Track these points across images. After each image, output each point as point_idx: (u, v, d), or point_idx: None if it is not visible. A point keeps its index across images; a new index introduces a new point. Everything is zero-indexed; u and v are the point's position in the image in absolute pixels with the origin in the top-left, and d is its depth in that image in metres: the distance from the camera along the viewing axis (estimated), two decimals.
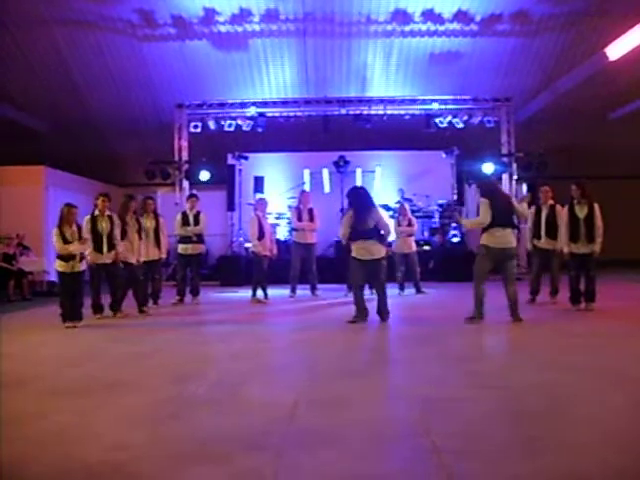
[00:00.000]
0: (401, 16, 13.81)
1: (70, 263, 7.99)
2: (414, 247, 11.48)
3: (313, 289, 11.33)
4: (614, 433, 3.45)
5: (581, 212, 8.49)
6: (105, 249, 8.63)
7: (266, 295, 10.69)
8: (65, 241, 7.94)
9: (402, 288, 11.42)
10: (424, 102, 15.90)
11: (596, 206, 8.48)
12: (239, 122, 15.93)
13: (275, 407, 4.06)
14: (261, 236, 10.53)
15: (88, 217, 8.69)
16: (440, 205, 15.55)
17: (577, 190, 8.50)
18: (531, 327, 7.50)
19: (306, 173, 16.52)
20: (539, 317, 8.35)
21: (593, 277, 8.60)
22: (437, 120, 15.87)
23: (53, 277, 14.29)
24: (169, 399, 4.34)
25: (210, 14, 13.62)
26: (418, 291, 11.39)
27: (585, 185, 8.55)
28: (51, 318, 8.67)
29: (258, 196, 14.04)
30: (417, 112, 16.02)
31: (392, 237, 9.41)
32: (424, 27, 14.16)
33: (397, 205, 15.37)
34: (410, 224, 11.42)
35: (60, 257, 8.00)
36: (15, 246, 13.16)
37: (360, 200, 8.04)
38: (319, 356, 5.93)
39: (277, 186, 16.57)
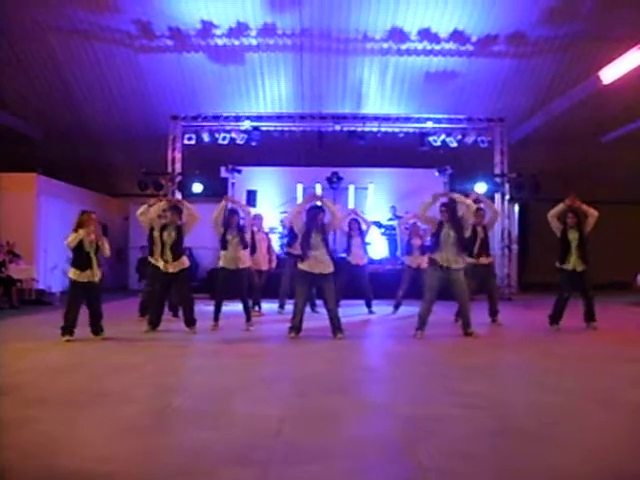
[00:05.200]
0: (397, 34, 13.88)
1: (87, 272, 7.71)
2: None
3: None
4: (601, 454, 3.44)
5: (573, 237, 8.87)
6: (169, 258, 8.54)
7: (254, 308, 10.65)
8: (82, 248, 7.66)
9: (397, 307, 11.22)
10: (418, 120, 15.92)
11: (585, 230, 8.90)
12: (233, 135, 15.90)
13: (262, 421, 4.04)
14: (252, 251, 10.52)
15: (161, 223, 8.70)
16: None
17: (574, 219, 8.88)
18: (516, 347, 7.55)
19: (299, 188, 16.54)
20: (523, 337, 8.40)
21: (592, 297, 8.92)
22: (431, 139, 15.88)
23: (42, 285, 14.25)
24: (156, 411, 4.31)
25: (207, 27, 13.64)
26: None
27: (580, 214, 8.92)
28: (40, 326, 8.62)
29: (253, 211, 14.03)
30: (411, 130, 16.03)
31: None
32: (420, 46, 14.22)
33: (391, 220, 15.42)
34: (422, 242, 10.95)
35: (76, 265, 7.69)
36: (5, 253, 13.08)
37: None
38: (306, 371, 5.91)
39: (270, 200, 16.59)
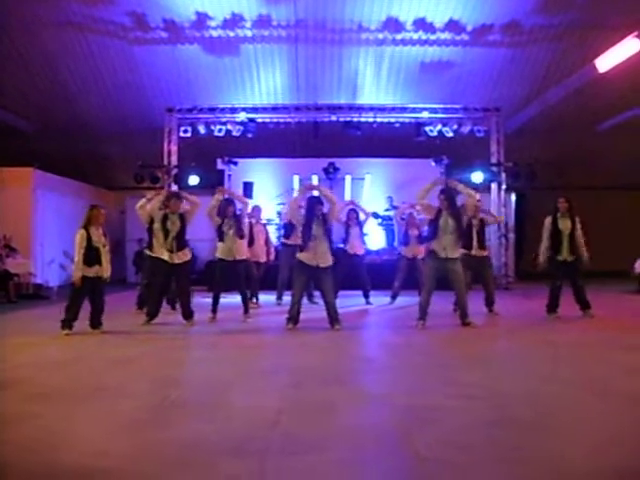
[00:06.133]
0: (393, 24, 13.83)
1: (94, 268, 7.69)
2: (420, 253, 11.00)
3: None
4: (597, 445, 3.45)
5: (564, 226, 8.77)
6: (174, 248, 8.49)
7: (252, 300, 10.66)
8: (91, 243, 7.63)
9: (394, 297, 11.28)
10: (414, 110, 15.90)
11: (577, 220, 8.81)
12: (229, 127, 15.88)
13: (259, 413, 4.05)
14: (250, 242, 10.53)
15: (161, 214, 8.57)
16: None
17: (565, 204, 8.79)
18: (514, 337, 7.56)
19: (295, 179, 16.53)
20: (520, 326, 8.42)
21: (582, 287, 8.86)
22: (427, 129, 15.87)
23: (40, 280, 14.24)
24: (154, 404, 4.32)
25: (202, 19, 13.58)
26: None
27: (571, 200, 8.85)
28: (38, 321, 8.59)
29: (251, 203, 14.03)
30: (407, 120, 16.02)
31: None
32: (415, 36, 14.18)
33: (387, 211, 15.44)
34: (419, 233, 11.02)
35: (84, 261, 7.61)
36: (1, 248, 13.07)
37: None
38: (303, 362, 5.93)
39: (266, 192, 16.57)
